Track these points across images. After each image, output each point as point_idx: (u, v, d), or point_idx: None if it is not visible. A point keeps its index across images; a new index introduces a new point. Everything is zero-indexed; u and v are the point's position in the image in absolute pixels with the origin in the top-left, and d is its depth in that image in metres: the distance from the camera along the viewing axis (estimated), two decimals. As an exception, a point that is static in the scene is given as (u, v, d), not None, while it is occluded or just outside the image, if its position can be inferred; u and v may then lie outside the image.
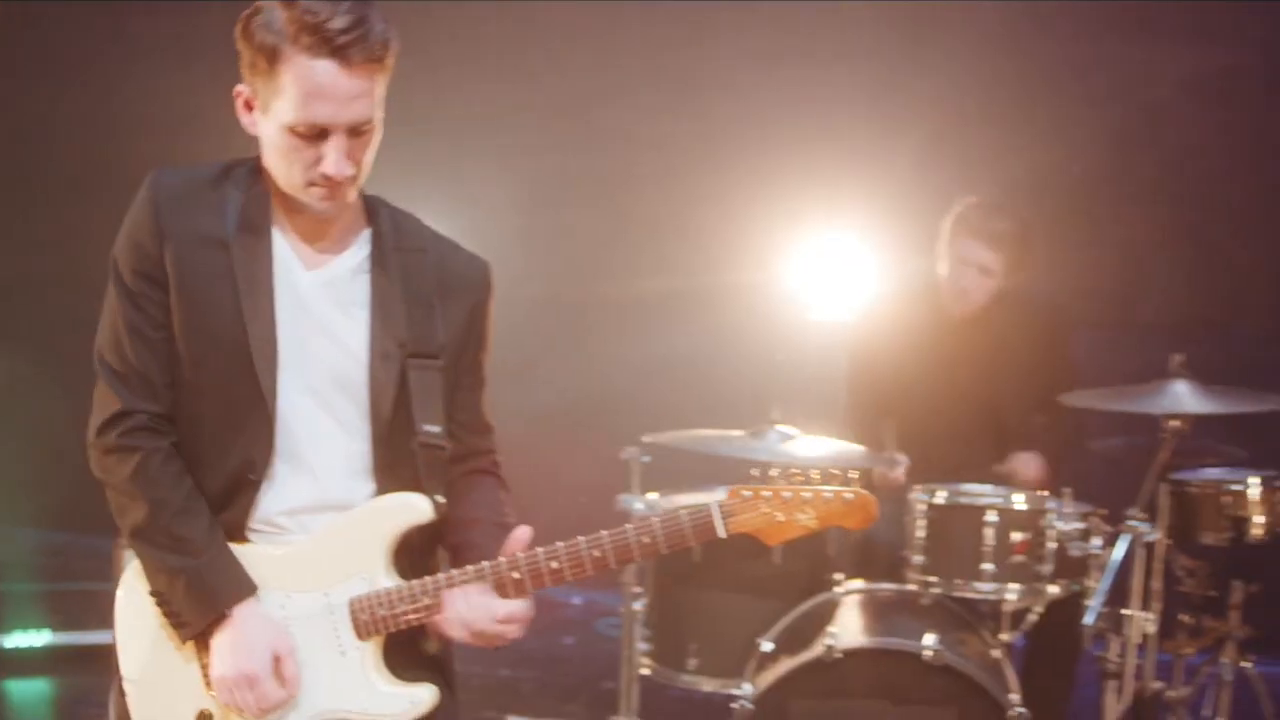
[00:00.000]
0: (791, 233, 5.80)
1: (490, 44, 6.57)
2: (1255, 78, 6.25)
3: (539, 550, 2.49)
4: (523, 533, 2.51)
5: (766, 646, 4.05)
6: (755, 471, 2.65)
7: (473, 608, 2.47)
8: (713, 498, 2.58)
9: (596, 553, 2.50)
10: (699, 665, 4.35)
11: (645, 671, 4.47)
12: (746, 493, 2.54)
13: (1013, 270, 4.76)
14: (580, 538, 2.52)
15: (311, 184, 2.44)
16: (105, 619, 2.66)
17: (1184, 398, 4.25)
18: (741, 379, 5.27)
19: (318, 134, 2.40)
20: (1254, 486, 4.55)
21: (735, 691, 4.02)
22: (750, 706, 3.80)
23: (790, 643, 4.00)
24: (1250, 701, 4.69)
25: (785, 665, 3.87)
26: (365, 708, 2.53)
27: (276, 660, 2.47)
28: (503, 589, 2.47)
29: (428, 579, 2.51)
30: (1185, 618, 4.74)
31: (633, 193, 6.68)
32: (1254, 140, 6.28)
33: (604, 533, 2.51)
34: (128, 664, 2.59)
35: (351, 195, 2.50)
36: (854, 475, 2.61)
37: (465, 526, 2.63)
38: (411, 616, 2.51)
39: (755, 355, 5.62)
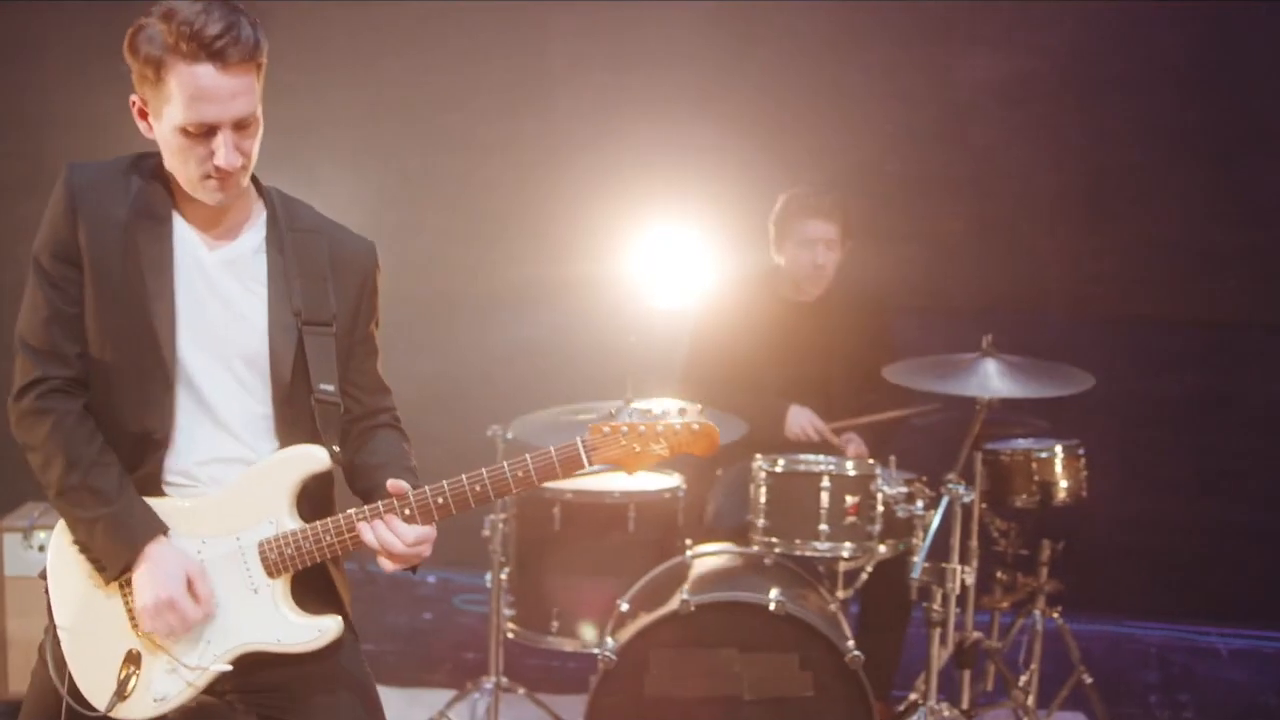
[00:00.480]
0: (634, 226, 5.92)
1: (339, 49, 6.63)
2: (1048, 82, 6.54)
3: (426, 488, 2.74)
4: (396, 485, 2.76)
5: (624, 606, 4.31)
6: (612, 410, 2.92)
7: (391, 535, 2.73)
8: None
9: (478, 487, 2.75)
10: (560, 628, 4.62)
11: (510, 635, 4.72)
12: (606, 429, 2.79)
13: (844, 241, 5.12)
14: (463, 475, 2.76)
15: (206, 177, 2.67)
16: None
17: (993, 376, 4.56)
18: (594, 364, 5.46)
19: (206, 131, 2.64)
20: (1058, 454, 4.90)
21: (595, 650, 4.25)
22: (613, 657, 4.05)
23: (646, 601, 4.28)
24: (1061, 653, 5.06)
25: (644, 620, 4.13)
26: (279, 638, 2.76)
27: (190, 583, 2.69)
28: (392, 519, 2.74)
29: (329, 520, 2.75)
30: (1000, 575, 5.08)
31: (482, 192, 6.77)
32: (1050, 139, 6.57)
33: (484, 470, 2.76)
34: (60, 612, 2.81)
35: (243, 183, 2.75)
36: (698, 407, 2.89)
37: (373, 472, 2.89)
38: (315, 555, 2.76)
39: (606, 341, 5.73)
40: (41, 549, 4.77)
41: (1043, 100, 6.63)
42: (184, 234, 2.79)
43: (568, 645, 4.63)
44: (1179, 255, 6.60)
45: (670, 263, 5.64)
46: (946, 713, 4.47)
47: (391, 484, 2.74)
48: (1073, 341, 6.38)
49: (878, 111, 6.66)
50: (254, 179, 2.83)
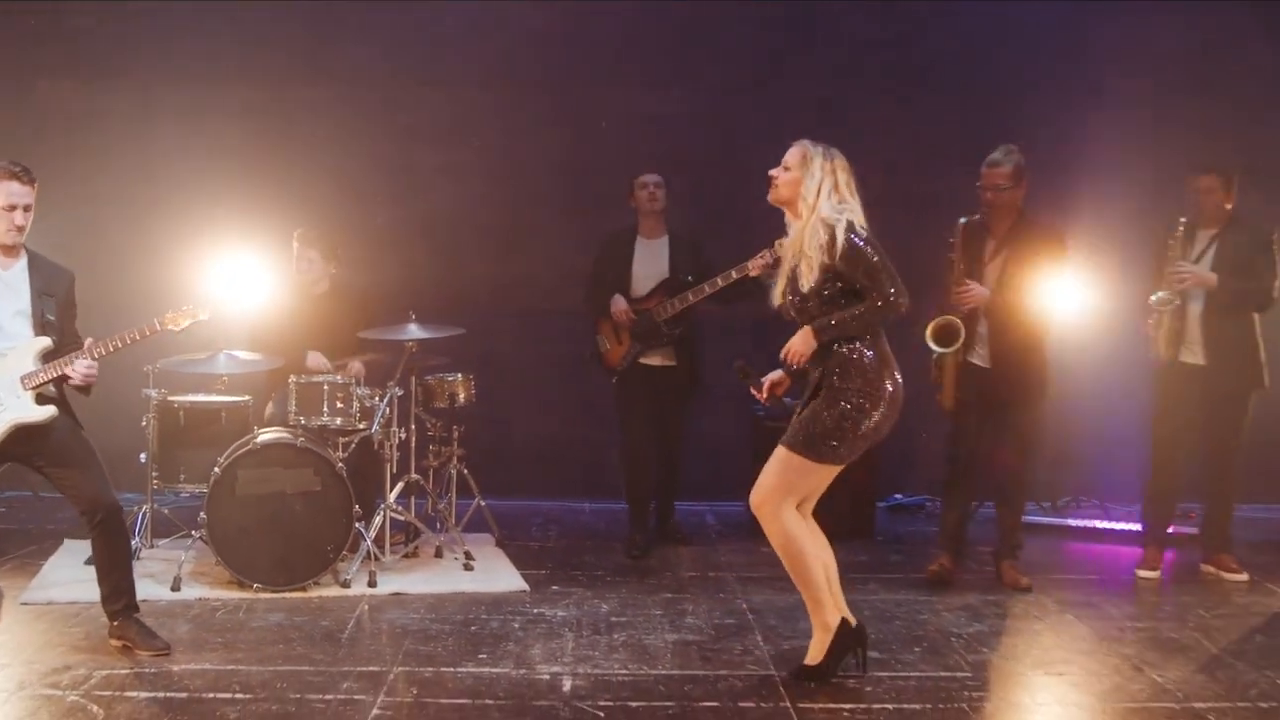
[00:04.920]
0: (212, 251, 8.29)
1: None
2: (479, 167, 9.82)
3: (91, 346, 6.02)
4: (90, 341, 6.06)
5: (221, 459, 7.28)
6: (186, 307, 6.25)
7: (84, 368, 6.01)
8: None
9: (115, 345, 6.05)
10: (186, 478, 7.68)
11: (155, 486, 7.77)
12: (164, 317, 6.22)
13: (330, 260, 8.10)
14: (107, 338, 5.99)
15: (8, 230, 6.01)
16: None
17: (414, 331, 7.84)
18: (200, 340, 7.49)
19: (10, 209, 6.00)
20: (459, 378, 8.20)
21: (204, 490, 7.25)
22: (219, 473, 7.11)
23: (234, 454, 7.29)
24: (469, 496, 8.47)
25: (234, 455, 7.20)
26: (31, 416, 5.98)
27: None
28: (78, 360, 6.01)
29: (49, 364, 6.00)
30: (431, 447, 8.30)
31: (108, 235, 9.45)
32: (479, 205, 9.83)
33: (117, 335, 6.02)
34: None
35: (23, 237, 6.06)
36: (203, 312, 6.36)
37: (74, 356, 6.08)
38: (44, 381, 6.03)
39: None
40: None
41: (479, 178, 9.86)
42: None
43: (190, 489, 7.71)
44: (548, 270, 9.81)
45: (238, 279, 8.07)
46: (395, 509, 7.78)
47: (89, 341, 6.02)
48: (493, 325, 9.48)
49: (361, 165, 9.74)
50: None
